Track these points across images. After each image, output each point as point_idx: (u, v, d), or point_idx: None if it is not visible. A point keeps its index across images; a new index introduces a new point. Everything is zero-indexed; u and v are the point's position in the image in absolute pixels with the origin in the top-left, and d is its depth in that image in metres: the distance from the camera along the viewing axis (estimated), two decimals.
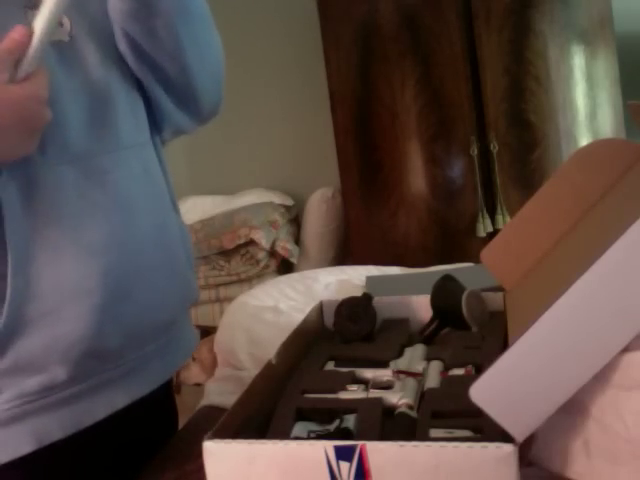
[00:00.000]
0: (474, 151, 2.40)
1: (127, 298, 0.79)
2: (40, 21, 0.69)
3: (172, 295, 0.87)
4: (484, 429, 0.60)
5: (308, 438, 0.64)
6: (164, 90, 0.88)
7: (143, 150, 0.88)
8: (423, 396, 0.70)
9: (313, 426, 0.67)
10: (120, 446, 0.86)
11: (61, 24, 0.79)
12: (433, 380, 0.73)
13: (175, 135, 0.97)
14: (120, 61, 0.85)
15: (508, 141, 2.40)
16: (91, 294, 0.75)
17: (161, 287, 0.85)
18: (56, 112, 0.72)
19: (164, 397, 0.94)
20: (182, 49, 0.84)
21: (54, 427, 0.76)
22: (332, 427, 0.66)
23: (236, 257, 2.77)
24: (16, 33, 0.68)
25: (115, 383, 0.81)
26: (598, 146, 0.83)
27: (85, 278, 0.75)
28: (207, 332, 2.89)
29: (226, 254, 2.78)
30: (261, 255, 2.75)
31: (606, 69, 2.40)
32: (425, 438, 0.62)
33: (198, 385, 2.29)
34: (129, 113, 0.85)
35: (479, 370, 0.73)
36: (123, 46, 0.84)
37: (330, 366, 0.79)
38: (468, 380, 0.58)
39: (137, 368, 0.84)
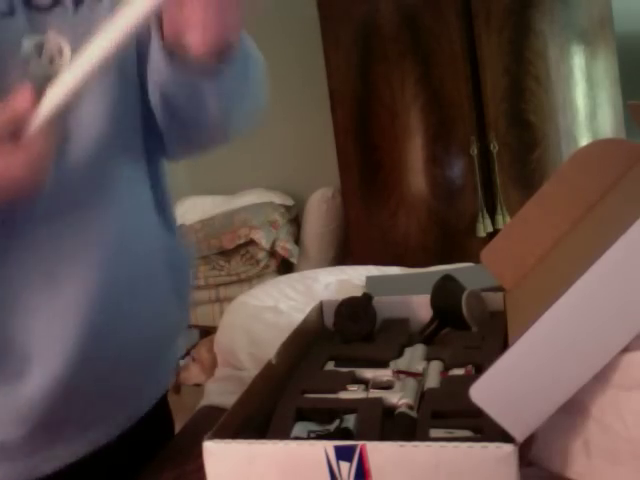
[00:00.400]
0: (474, 151, 2.40)
1: (100, 356, 0.75)
2: (57, 92, 0.59)
3: (150, 344, 0.82)
4: (484, 429, 0.60)
5: (308, 438, 0.64)
6: (186, 141, 0.84)
7: (136, 191, 0.81)
8: (423, 396, 0.70)
9: (313, 426, 0.67)
10: (113, 463, 0.83)
11: (60, 53, 0.69)
12: (433, 380, 0.73)
13: None
14: (124, 103, 0.77)
15: (508, 141, 2.40)
16: (63, 354, 0.71)
17: (139, 339, 0.79)
18: None
19: (158, 411, 0.91)
20: (231, 122, 0.80)
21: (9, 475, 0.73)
22: (332, 427, 0.66)
23: (236, 257, 2.78)
24: (18, 103, 0.59)
25: (77, 435, 0.78)
26: (598, 146, 0.83)
27: (57, 339, 0.71)
28: (207, 332, 2.89)
29: (226, 254, 2.78)
30: (261, 255, 2.75)
31: (606, 69, 2.40)
32: (425, 438, 0.62)
33: (198, 385, 2.29)
34: (126, 166, 0.78)
35: (479, 370, 0.72)
36: (156, 104, 0.78)
37: (330, 366, 0.79)
38: (468, 380, 0.58)
39: (103, 418, 0.80)
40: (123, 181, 0.78)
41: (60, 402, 0.73)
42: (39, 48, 0.69)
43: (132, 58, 0.79)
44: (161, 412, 0.94)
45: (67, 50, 0.70)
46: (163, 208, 0.88)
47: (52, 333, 0.71)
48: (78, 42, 0.68)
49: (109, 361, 0.76)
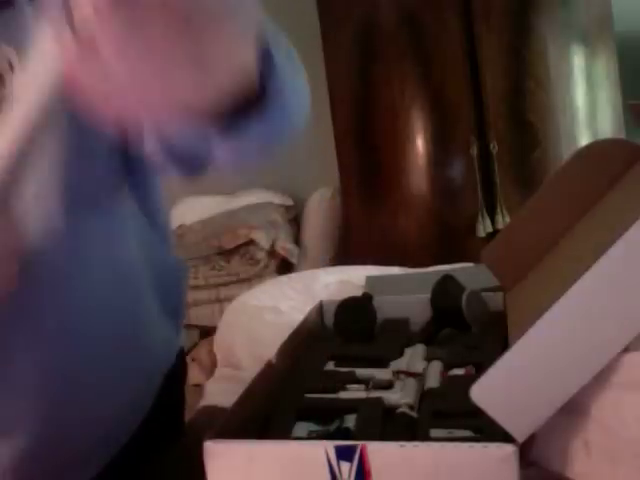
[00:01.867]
0: (474, 151, 2.40)
1: (66, 424, 0.70)
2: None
3: (135, 406, 0.78)
4: (484, 429, 0.60)
5: (308, 438, 0.64)
6: (180, 169, 0.67)
7: (112, 229, 0.73)
8: (423, 396, 0.70)
9: (313, 426, 0.67)
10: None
11: (10, 68, 0.58)
12: (433, 380, 0.73)
13: None
14: (86, 155, 0.66)
15: (508, 141, 2.40)
16: (15, 440, 0.68)
17: (117, 410, 0.75)
18: None
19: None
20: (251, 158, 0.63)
21: None
22: (332, 427, 0.66)
23: (236, 257, 2.77)
24: None
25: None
26: (598, 146, 0.83)
27: (9, 421, 0.68)
28: (207, 332, 2.88)
29: (226, 254, 2.78)
30: (261, 255, 2.75)
31: (606, 69, 2.40)
32: (425, 438, 0.62)
33: (197, 386, 2.29)
34: (100, 219, 0.71)
35: (479, 370, 0.72)
36: (151, 152, 0.63)
37: (330, 366, 0.79)
38: (468, 380, 0.58)
39: (84, 461, 0.75)
40: (96, 240, 0.71)
41: (31, 467, 0.70)
42: None
43: None
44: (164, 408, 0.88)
45: (16, 64, 0.58)
46: (154, 221, 0.81)
47: (10, 408, 0.67)
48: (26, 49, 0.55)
49: (78, 427, 0.72)
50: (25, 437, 0.68)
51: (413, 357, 0.79)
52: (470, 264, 1.41)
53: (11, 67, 0.59)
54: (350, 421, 0.66)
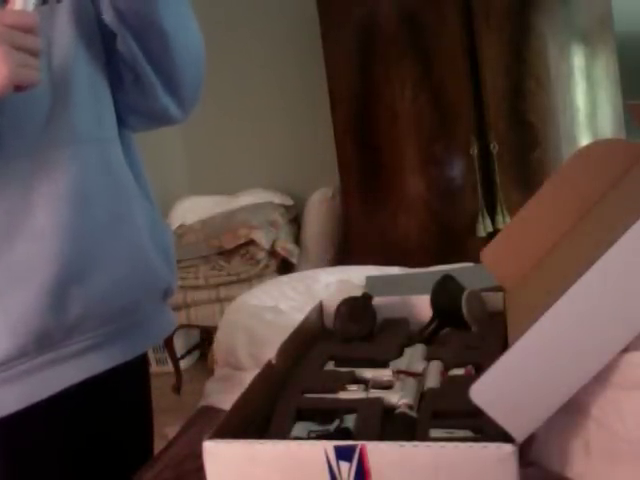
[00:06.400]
0: (474, 151, 2.40)
1: (78, 282, 0.82)
2: None
3: (131, 282, 0.88)
4: (484, 429, 0.60)
5: (308, 438, 0.64)
6: (151, 67, 0.87)
7: (106, 146, 0.87)
8: (423, 396, 0.70)
9: (313, 426, 0.67)
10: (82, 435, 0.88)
11: None
12: (433, 380, 0.73)
13: (159, 125, 0.97)
14: (91, 52, 0.85)
15: (508, 141, 2.40)
16: (40, 277, 0.79)
17: (118, 274, 0.86)
18: (15, 99, 0.73)
19: (139, 369, 0.97)
20: (162, 21, 0.84)
21: (9, 399, 0.79)
22: (332, 427, 0.66)
23: (236, 257, 2.78)
24: None
25: (69, 359, 0.83)
26: (598, 146, 0.83)
27: (33, 262, 0.79)
28: (207, 332, 2.88)
29: (226, 254, 2.78)
30: (261, 255, 2.75)
31: (606, 69, 2.40)
32: (425, 438, 0.62)
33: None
34: (89, 107, 0.85)
35: (479, 370, 0.72)
36: (109, 17, 0.84)
37: (330, 366, 0.79)
38: (468, 380, 0.58)
39: (93, 347, 0.85)
40: (95, 138, 0.85)
41: (49, 318, 0.80)
42: None
43: None
44: (141, 371, 0.99)
45: None
46: (139, 178, 0.92)
47: (26, 259, 0.79)
48: None
49: (93, 285, 0.83)
50: (50, 277, 0.79)
51: (413, 357, 0.79)
52: (470, 264, 1.40)
53: None
54: (350, 421, 0.66)
